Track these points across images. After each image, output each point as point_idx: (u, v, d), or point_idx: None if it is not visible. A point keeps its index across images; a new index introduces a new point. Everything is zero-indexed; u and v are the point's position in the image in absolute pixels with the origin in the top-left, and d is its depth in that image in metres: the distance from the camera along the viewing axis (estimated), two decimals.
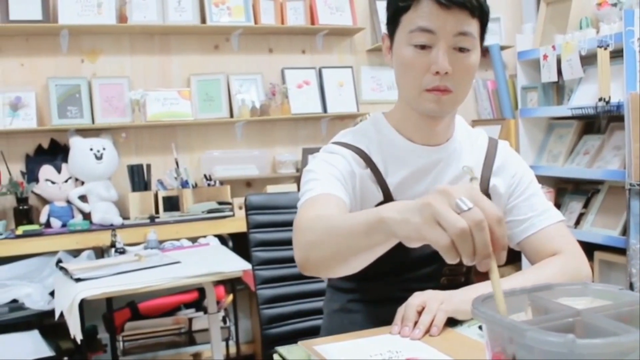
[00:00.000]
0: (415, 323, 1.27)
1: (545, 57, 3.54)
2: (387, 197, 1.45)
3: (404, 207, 0.99)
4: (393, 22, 1.41)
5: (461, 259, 0.89)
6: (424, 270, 1.49)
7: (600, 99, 3.17)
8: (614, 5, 3.26)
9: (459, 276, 1.53)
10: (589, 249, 3.16)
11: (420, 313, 1.29)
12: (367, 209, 1.43)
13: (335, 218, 1.23)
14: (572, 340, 0.71)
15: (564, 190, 3.79)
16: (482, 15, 1.37)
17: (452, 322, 1.30)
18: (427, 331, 1.26)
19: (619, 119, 3.16)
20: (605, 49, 3.14)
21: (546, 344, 0.73)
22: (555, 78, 3.53)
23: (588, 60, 3.33)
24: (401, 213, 0.98)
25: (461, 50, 1.36)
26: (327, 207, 1.31)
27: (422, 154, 1.48)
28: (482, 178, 1.53)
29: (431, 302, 1.30)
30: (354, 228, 1.10)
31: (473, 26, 1.35)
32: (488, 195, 1.52)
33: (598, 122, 3.59)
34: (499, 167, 1.55)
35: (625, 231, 3.09)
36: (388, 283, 1.50)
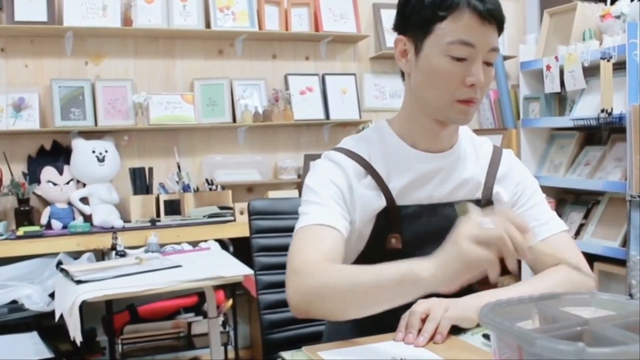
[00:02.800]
0: (419, 330, 1.27)
1: (548, 67, 3.55)
2: (390, 203, 1.45)
3: (434, 261, 1.12)
4: (423, 29, 1.37)
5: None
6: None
7: (602, 111, 3.18)
8: (617, 17, 3.27)
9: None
10: (589, 259, 3.14)
11: (424, 320, 1.29)
12: (368, 216, 1.44)
13: (348, 270, 1.29)
14: (582, 348, 0.71)
15: (565, 200, 3.80)
16: (502, 32, 1.40)
17: (456, 330, 1.30)
18: (431, 338, 1.26)
19: (621, 130, 3.17)
20: (608, 60, 3.15)
21: (556, 352, 0.73)
22: (558, 89, 3.54)
23: (590, 71, 3.34)
24: (432, 267, 1.12)
25: (487, 64, 1.38)
26: (325, 244, 1.36)
27: (426, 160, 1.48)
28: (485, 186, 1.53)
29: (435, 309, 1.30)
30: (378, 284, 1.19)
31: (498, 41, 1.39)
32: (491, 203, 1.53)
33: (599, 134, 3.60)
34: (503, 176, 1.56)
35: (625, 242, 3.10)
36: None
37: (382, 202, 1.45)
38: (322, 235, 1.37)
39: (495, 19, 1.34)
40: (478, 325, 1.31)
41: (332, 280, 1.25)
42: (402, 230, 1.39)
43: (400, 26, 1.45)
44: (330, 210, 1.40)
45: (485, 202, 1.52)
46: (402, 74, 1.51)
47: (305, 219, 1.40)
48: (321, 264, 1.30)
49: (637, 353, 0.73)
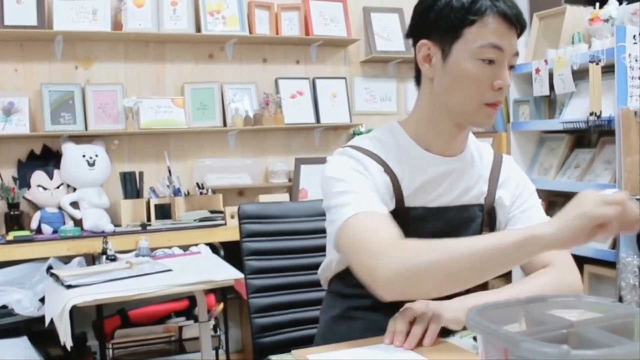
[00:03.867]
0: (408, 334, 1.28)
1: (537, 71, 3.56)
2: (400, 204, 1.46)
3: (554, 221, 1.16)
4: (451, 34, 1.39)
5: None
6: None
7: (591, 114, 3.19)
8: (606, 21, 3.28)
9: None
10: (579, 262, 3.15)
11: (412, 323, 1.29)
12: None
13: (444, 243, 1.24)
14: (566, 351, 0.72)
15: (555, 203, 3.81)
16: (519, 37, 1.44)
17: (445, 333, 1.31)
18: (420, 341, 1.26)
19: (610, 133, 3.18)
20: (597, 64, 3.16)
21: (541, 354, 0.74)
22: (547, 92, 3.54)
23: (580, 74, 3.35)
24: (554, 225, 1.15)
25: (510, 67, 1.41)
26: (387, 224, 1.33)
27: (439, 164, 1.49)
28: (489, 191, 1.55)
29: (423, 312, 1.30)
30: (494, 249, 1.18)
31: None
32: (494, 209, 1.54)
33: (589, 136, 3.61)
34: (504, 180, 1.59)
35: (615, 245, 3.11)
36: None
37: (391, 205, 1.46)
38: (378, 219, 1.34)
39: (520, 23, 1.39)
40: (465, 328, 1.32)
41: (435, 255, 1.22)
42: (408, 232, 1.39)
43: (422, 31, 1.45)
44: (368, 197, 1.38)
45: (488, 207, 1.54)
46: (417, 79, 1.53)
47: (348, 209, 1.35)
48: (407, 242, 1.28)
49: (621, 355, 0.74)
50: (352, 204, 1.36)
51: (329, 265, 1.57)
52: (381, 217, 1.35)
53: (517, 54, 1.41)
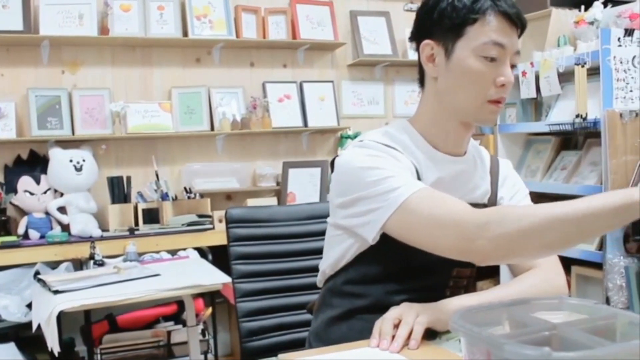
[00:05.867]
0: (393, 337, 1.28)
1: (524, 73, 3.58)
2: None
3: None
4: (455, 32, 1.41)
5: None
6: (427, 281, 1.48)
7: (577, 116, 3.20)
8: (591, 23, 3.30)
9: (461, 289, 1.54)
10: (566, 263, 3.16)
11: (397, 326, 1.30)
12: None
13: (557, 206, 1.22)
14: (547, 353, 0.72)
15: None
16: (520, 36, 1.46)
17: (431, 335, 1.31)
18: (406, 344, 1.27)
19: (596, 135, 3.20)
20: (583, 66, 3.18)
21: (523, 356, 0.74)
22: (533, 94, 3.56)
23: (565, 77, 3.37)
24: None
25: (512, 66, 1.43)
26: (452, 199, 1.33)
27: (449, 163, 1.50)
28: (491, 191, 1.58)
29: (407, 314, 1.31)
30: (596, 213, 1.15)
31: None
32: None
33: (575, 138, 3.63)
34: (504, 180, 1.62)
35: (601, 246, 3.12)
36: (390, 290, 1.48)
37: None
38: (438, 194, 1.34)
39: (521, 22, 1.42)
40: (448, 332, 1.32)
41: (538, 218, 1.20)
42: None
43: (425, 32, 1.47)
44: (412, 179, 1.38)
45: (491, 206, 1.54)
46: (420, 80, 1.53)
47: (403, 191, 1.33)
48: (501, 209, 1.31)
49: (602, 356, 0.75)
50: (402, 185, 1.34)
51: (336, 262, 1.53)
52: (437, 193, 1.35)
53: (518, 52, 1.43)
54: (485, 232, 1.22)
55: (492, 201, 1.56)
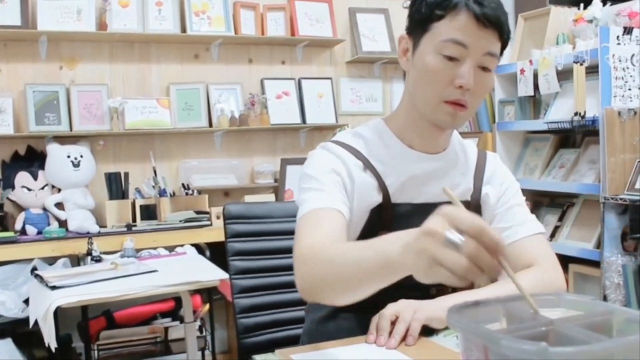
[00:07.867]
0: (390, 333, 1.28)
1: (522, 71, 3.58)
2: (386, 200, 1.45)
3: (406, 250, 1.02)
4: (421, 28, 1.39)
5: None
6: (411, 279, 1.48)
7: (575, 114, 3.21)
8: (590, 22, 3.30)
9: (448, 287, 1.54)
10: (564, 261, 3.19)
11: (394, 322, 1.29)
12: (363, 210, 1.45)
13: (341, 252, 1.21)
14: (544, 348, 0.72)
15: (540, 203, 3.83)
16: (506, 39, 1.40)
17: (428, 332, 1.31)
18: (403, 340, 1.27)
19: (594, 133, 3.20)
20: (581, 64, 3.18)
21: (520, 352, 0.74)
22: (532, 92, 3.56)
23: (564, 75, 3.37)
24: (404, 256, 1.02)
25: (484, 69, 1.38)
26: (327, 225, 1.33)
27: (423, 161, 1.49)
28: (474, 188, 1.55)
29: (404, 311, 1.30)
30: (363, 265, 1.12)
31: (498, 48, 1.39)
32: (480, 206, 1.54)
33: (573, 137, 3.63)
34: (490, 177, 1.58)
35: (599, 244, 3.13)
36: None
37: (378, 198, 1.45)
38: (324, 217, 1.34)
39: (492, 23, 1.34)
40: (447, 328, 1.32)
41: (324, 263, 1.21)
42: (394, 227, 1.39)
43: (407, 27, 1.47)
44: (330, 194, 1.39)
45: (475, 204, 1.53)
46: (405, 75, 1.53)
47: (305, 206, 1.37)
48: (318, 249, 1.26)
49: (599, 352, 0.74)
50: (312, 200, 1.38)
51: None
52: (332, 214, 1.36)
53: (490, 54, 1.37)
54: (297, 269, 1.27)
55: (476, 198, 1.54)
